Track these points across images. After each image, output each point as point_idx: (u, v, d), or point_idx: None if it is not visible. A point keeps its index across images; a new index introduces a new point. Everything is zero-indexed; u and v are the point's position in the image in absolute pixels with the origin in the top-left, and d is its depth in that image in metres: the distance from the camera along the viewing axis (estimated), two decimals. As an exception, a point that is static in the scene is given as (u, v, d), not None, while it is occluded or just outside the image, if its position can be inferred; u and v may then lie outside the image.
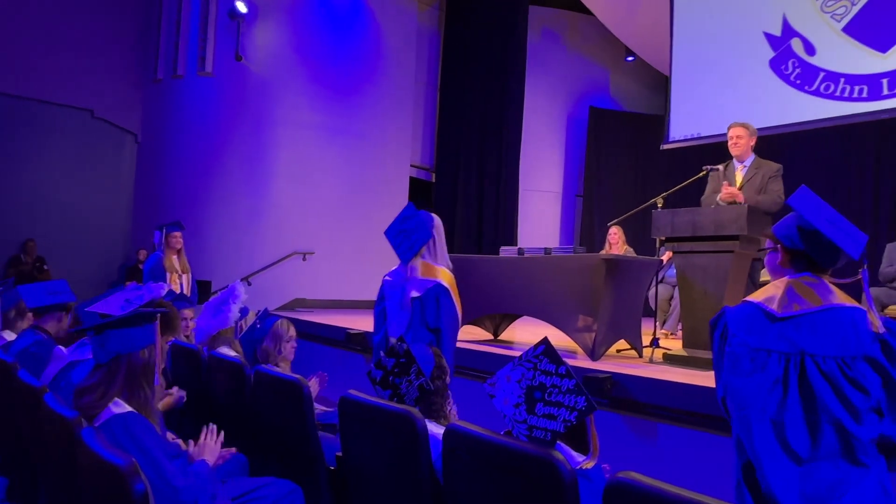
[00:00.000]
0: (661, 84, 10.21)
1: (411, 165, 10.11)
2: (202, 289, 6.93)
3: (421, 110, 10.44)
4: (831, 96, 6.47)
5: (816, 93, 6.58)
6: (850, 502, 1.45)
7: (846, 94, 6.36)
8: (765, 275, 4.52)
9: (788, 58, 6.84)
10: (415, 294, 2.87)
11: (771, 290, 1.68)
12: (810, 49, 6.69)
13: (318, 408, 3.16)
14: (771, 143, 6.57)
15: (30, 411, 2.27)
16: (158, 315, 1.97)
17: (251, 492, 2.27)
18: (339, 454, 2.39)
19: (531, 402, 1.59)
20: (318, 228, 8.84)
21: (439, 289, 2.86)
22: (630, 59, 11.11)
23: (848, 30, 6.38)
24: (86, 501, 1.72)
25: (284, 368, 3.15)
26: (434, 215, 3.06)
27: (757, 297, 1.70)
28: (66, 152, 9.03)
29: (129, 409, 1.86)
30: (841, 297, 1.61)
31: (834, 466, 1.48)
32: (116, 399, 1.87)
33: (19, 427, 2.53)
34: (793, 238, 1.67)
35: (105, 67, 9.20)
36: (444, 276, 2.92)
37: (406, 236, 2.97)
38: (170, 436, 3.01)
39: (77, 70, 8.98)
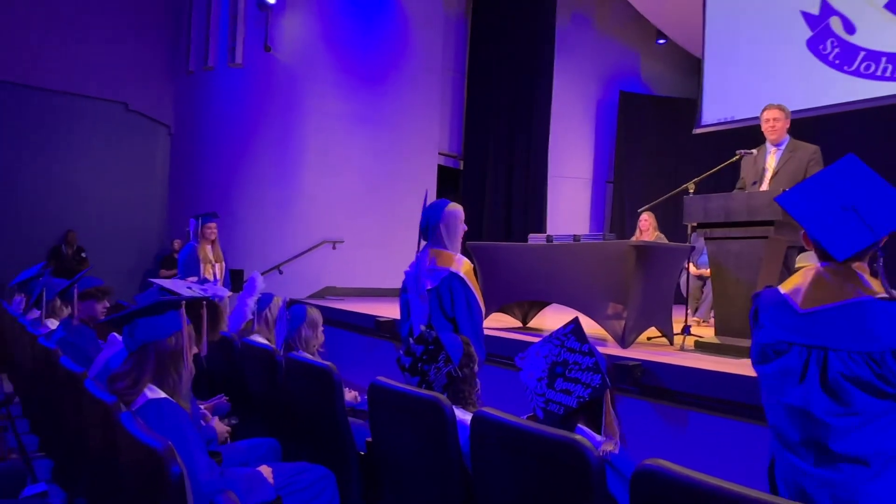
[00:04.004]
0: (693, 67, 10.00)
1: (439, 153, 10.11)
2: (235, 278, 7.05)
3: (448, 97, 10.40)
4: (872, 76, 6.26)
5: (856, 73, 6.37)
6: (880, 488, 1.42)
7: (888, 74, 6.15)
8: (801, 261, 4.43)
9: (827, 37, 6.63)
10: (429, 286, 2.92)
11: (798, 280, 1.65)
12: (850, 27, 6.48)
13: (349, 394, 3.21)
14: (808, 126, 6.39)
15: (71, 396, 2.36)
16: (183, 302, 2.01)
17: (289, 485, 2.29)
18: (370, 440, 2.42)
19: (552, 377, 1.62)
20: (347, 217, 8.91)
21: (452, 278, 2.90)
22: (661, 41, 10.90)
23: (890, 6, 6.15)
24: (126, 483, 1.78)
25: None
26: (451, 203, 3.08)
27: (785, 287, 1.67)
28: (101, 145, 9.25)
29: (163, 395, 1.91)
30: (872, 289, 1.53)
31: (857, 460, 1.44)
32: (151, 385, 1.92)
33: (62, 411, 2.62)
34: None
35: (138, 61, 9.37)
36: (458, 263, 2.95)
37: (424, 223, 3.04)
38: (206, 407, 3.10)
39: (111, 64, 9.17)
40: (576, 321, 1.64)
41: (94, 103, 9.14)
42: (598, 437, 1.65)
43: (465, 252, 3.11)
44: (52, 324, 3.62)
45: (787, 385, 1.54)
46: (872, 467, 1.43)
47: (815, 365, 1.52)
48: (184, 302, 2.01)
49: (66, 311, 3.64)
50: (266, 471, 2.19)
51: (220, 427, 2.70)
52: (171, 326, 1.96)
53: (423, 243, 3.04)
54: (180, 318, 1.97)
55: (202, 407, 3.00)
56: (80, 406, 2.17)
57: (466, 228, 3.13)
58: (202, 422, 2.83)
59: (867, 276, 1.56)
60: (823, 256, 1.61)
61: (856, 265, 1.57)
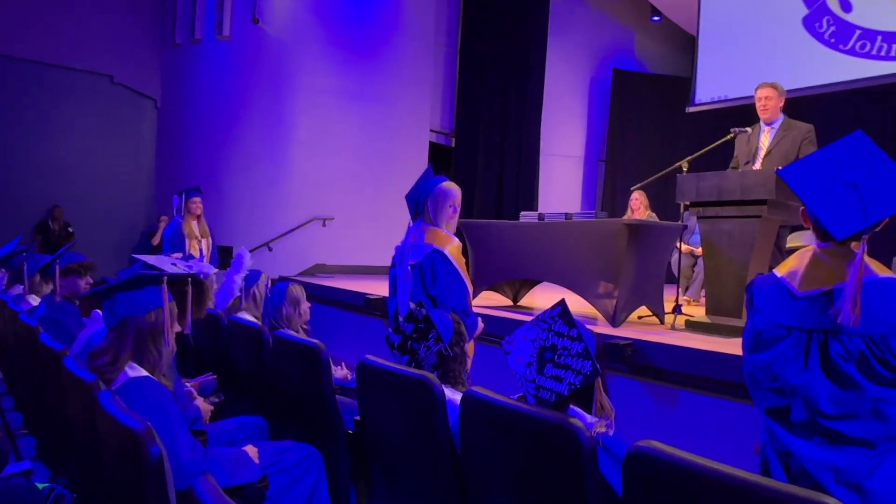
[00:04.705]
0: (687, 45, 9.90)
1: (431, 130, 9.99)
2: (223, 254, 6.97)
3: (441, 74, 10.26)
4: (867, 55, 6.21)
5: (852, 52, 6.32)
6: (881, 477, 1.40)
7: (883, 53, 6.10)
8: (791, 241, 4.42)
9: (823, 15, 6.56)
10: (412, 262, 2.91)
11: (795, 262, 1.60)
12: (846, 6, 6.41)
13: (337, 372, 3.18)
14: (803, 105, 6.35)
15: (52, 374, 2.31)
16: (165, 278, 1.95)
17: (274, 463, 2.27)
18: (358, 418, 2.40)
19: (542, 363, 1.58)
20: (337, 194, 8.82)
21: (434, 254, 2.87)
22: (656, 18, 10.77)
23: (887, -16, 6.09)
24: (106, 462, 1.74)
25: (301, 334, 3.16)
26: (446, 182, 3.03)
27: (781, 270, 1.62)
28: (87, 118, 9.07)
29: (144, 373, 1.87)
30: (871, 270, 1.49)
31: (862, 442, 1.42)
32: (132, 363, 1.88)
33: (44, 389, 2.57)
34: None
35: (125, 33, 9.15)
36: (444, 240, 2.91)
37: (414, 197, 3.01)
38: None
39: (97, 36, 8.94)
40: (562, 304, 1.59)
41: (78, 76, 8.93)
42: (590, 418, 1.62)
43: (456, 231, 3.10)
44: (35, 300, 3.55)
45: (790, 369, 1.51)
46: (878, 449, 1.41)
47: (815, 348, 1.48)
48: (165, 278, 1.96)
49: (49, 287, 3.57)
50: (252, 451, 2.16)
51: (204, 406, 2.67)
52: (150, 302, 1.91)
53: (422, 222, 3.01)
54: (160, 294, 1.92)
55: (188, 385, 2.97)
56: (61, 384, 2.13)
57: (458, 210, 3.05)
58: (190, 399, 2.79)
59: (865, 258, 1.52)
60: (822, 236, 1.57)
61: (853, 245, 1.53)
